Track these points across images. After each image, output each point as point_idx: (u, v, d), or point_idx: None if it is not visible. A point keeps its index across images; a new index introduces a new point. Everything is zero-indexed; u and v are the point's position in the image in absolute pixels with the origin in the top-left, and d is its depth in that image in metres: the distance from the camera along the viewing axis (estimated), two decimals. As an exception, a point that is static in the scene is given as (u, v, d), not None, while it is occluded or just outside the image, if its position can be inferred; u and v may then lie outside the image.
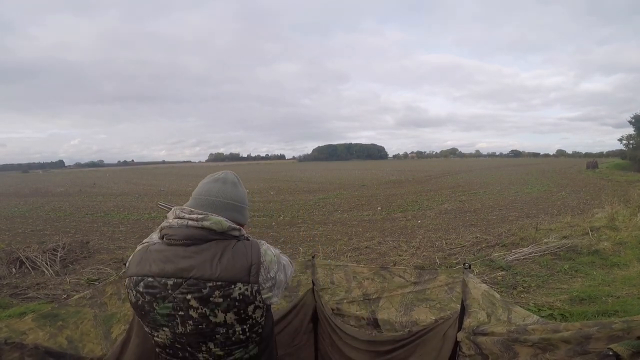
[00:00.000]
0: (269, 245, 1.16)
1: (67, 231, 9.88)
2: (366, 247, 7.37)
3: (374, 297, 2.10)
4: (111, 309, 1.67)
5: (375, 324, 2.07)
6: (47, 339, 1.41)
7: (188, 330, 1.04)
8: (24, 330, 1.37)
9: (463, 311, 1.61)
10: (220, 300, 1.00)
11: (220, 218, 1.07)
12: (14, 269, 5.91)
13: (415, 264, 5.97)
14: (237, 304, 1.02)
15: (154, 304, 1.03)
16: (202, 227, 1.04)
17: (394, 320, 2.02)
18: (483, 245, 7.00)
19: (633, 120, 41.42)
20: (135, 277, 1.06)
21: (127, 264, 1.12)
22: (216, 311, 1.01)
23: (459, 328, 1.60)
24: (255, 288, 1.03)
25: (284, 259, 1.19)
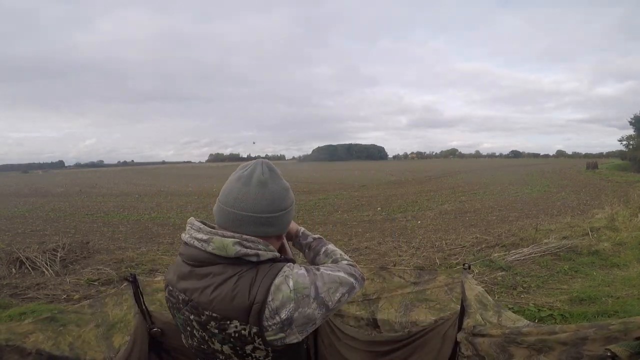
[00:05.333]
0: (298, 272, 0.91)
1: (67, 231, 9.87)
2: (366, 247, 7.37)
3: (373, 297, 2.11)
4: (113, 317, 1.66)
5: (374, 324, 2.07)
6: (47, 342, 1.41)
7: (195, 345, 1.01)
8: (24, 333, 1.37)
9: (463, 312, 1.62)
10: (216, 331, 0.91)
11: (227, 241, 0.89)
12: (13, 269, 5.91)
13: (415, 264, 5.97)
14: (232, 340, 0.90)
15: (174, 311, 1.04)
16: (206, 251, 0.91)
17: (393, 321, 2.02)
18: (483, 246, 7.00)
19: (633, 121, 41.47)
20: (165, 282, 1.07)
21: None
22: (213, 339, 0.94)
23: (459, 329, 1.60)
24: (255, 330, 0.86)
25: (332, 280, 0.94)
